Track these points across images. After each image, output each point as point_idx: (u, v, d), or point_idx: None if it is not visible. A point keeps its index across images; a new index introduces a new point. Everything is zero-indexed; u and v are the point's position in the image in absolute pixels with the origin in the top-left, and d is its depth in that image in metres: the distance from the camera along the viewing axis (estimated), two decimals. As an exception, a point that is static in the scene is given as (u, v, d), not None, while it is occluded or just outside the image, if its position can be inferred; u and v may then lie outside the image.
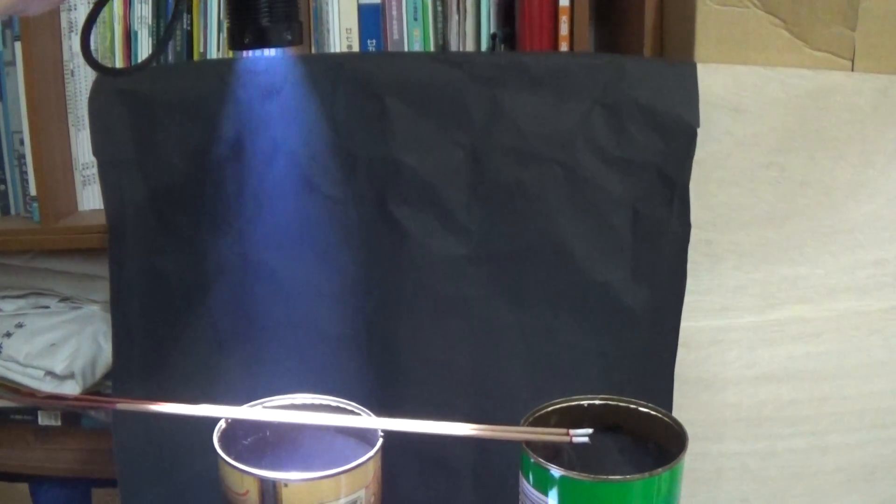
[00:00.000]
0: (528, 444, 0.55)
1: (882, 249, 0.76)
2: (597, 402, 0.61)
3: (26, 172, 0.90)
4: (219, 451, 0.55)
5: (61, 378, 0.88)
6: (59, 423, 0.93)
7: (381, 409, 0.61)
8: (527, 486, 0.56)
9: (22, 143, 0.89)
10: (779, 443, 0.78)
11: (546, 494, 0.54)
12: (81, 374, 0.88)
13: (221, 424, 0.58)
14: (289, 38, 0.60)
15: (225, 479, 0.55)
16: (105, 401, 0.74)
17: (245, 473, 0.54)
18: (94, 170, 0.90)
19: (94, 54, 0.91)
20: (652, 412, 0.60)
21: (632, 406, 0.60)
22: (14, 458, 0.94)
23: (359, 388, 0.67)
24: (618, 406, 0.60)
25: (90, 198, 0.91)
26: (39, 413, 0.93)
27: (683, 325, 0.75)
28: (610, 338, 0.74)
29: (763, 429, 0.77)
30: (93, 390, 0.90)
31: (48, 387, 0.88)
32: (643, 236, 0.73)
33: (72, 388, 0.88)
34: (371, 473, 0.56)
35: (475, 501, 0.76)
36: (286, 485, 0.53)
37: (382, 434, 0.57)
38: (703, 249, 0.75)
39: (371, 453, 0.56)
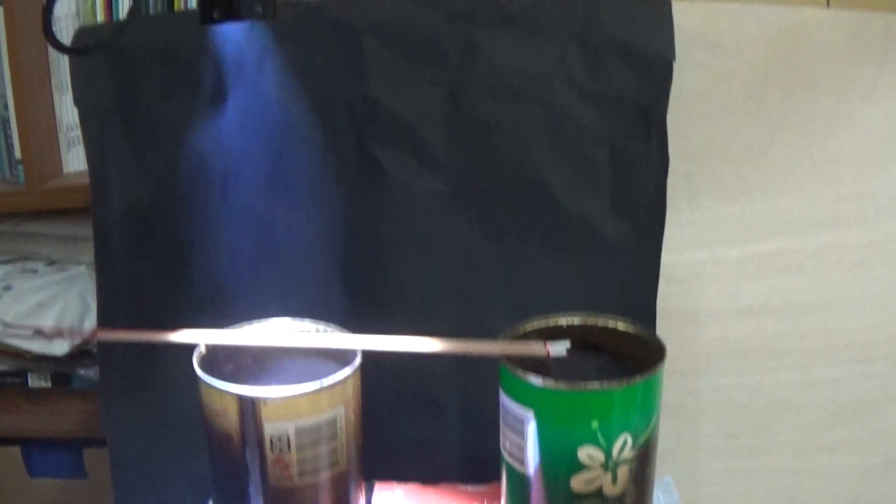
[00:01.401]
0: (507, 358, 0.56)
1: (862, 183, 0.76)
2: (576, 320, 0.61)
3: (11, 136, 0.90)
4: (198, 371, 0.56)
5: (49, 336, 0.88)
6: (49, 384, 0.93)
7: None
8: (506, 401, 0.56)
9: (6, 107, 0.90)
10: (764, 377, 0.78)
11: (525, 406, 0.55)
12: (70, 331, 0.88)
13: (201, 349, 0.58)
14: (259, 10, 0.61)
15: (205, 399, 0.56)
16: (87, 332, 0.74)
17: (224, 392, 0.54)
18: (79, 132, 0.91)
19: (76, 14, 0.92)
20: (630, 330, 0.60)
21: (610, 324, 0.61)
22: (5, 422, 0.94)
23: (342, 324, 0.68)
24: (596, 324, 0.61)
25: (75, 160, 0.92)
26: (30, 375, 0.93)
27: (664, 258, 0.75)
28: (591, 271, 0.74)
29: (748, 363, 0.77)
30: (80, 349, 0.90)
31: (36, 346, 0.89)
32: (621, 170, 0.73)
33: (60, 347, 0.89)
34: (350, 391, 0.56)
35: (461, 441, 0.77)
36: (265, 402, 0.53)
37: (360, 353, 0.57)
38: (682, 183, 0.75)
39: (349, 371, 0.56)
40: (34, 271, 0.94)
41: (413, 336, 0.59)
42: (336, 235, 0.74)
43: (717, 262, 0.76)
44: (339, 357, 0.59)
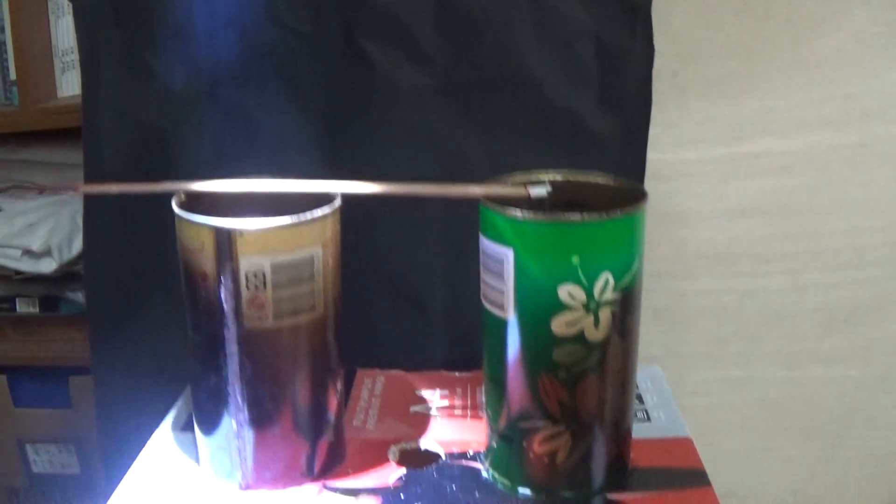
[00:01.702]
0: (487, 199, 0.55)
1: (849, 84, 0.77)
2: (558, 177, 0.61)
3: (7, 59, 0.91)
4: (176, 209, 0.55)
5: (38, 255, 0.88)
6: (37, 310, 0.93)
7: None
8: (486, 243, 0.56)
9: (3, 29, 0.91)
10: (755, 281, 0.77)
11: (504, 244, 0.54)
12: (58, 249, 0.88)
13: (181, 196, 0.58)
14: None
15: (182, 239, 0.55)
16: (68, 185, 0.74)
17: (201, 225, 0.54)
18: (74, 56, 0.92)
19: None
20: (611, 183, 0.60)
21: (591, 179, 0.60)
22: (-7, 350, 0.94)
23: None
24: (577, 180, 0.60)
25: (69, 84, 0.93)
26: (17, 301, 0.93)
27: (652, 157, 0.75)
28: (577, 165, 0.73)
29: (738, 266, 0.77)
30: (69, 269, 0.90)
31: (25, 265, 0.89)
32: (607, 64, 0.73)
33: (48, 266, 0.89)
34: (328, 233, 0.56)
35: (446, 342, 0.76)
36: (241, 234, 0.53)
37: (340, 196, 0.57)
38: (669, 81, 0.75)
39: (327, 209, 0.55)
40: (24, 197, 0.94)
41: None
42: (323, 130, 0.75)
43: (704, 162, 0.76)
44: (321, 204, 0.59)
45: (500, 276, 0.55)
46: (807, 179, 0.76)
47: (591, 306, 0.54)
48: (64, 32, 0.91)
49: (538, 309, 0.54)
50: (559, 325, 0.54)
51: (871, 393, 0.79)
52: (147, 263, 0.78)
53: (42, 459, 0.96)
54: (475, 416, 0.65)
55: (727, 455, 0.78)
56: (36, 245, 0.87)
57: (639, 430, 0.63)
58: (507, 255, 0.54)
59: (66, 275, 0.90)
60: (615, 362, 0.55)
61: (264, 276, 0.54)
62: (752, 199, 0.76)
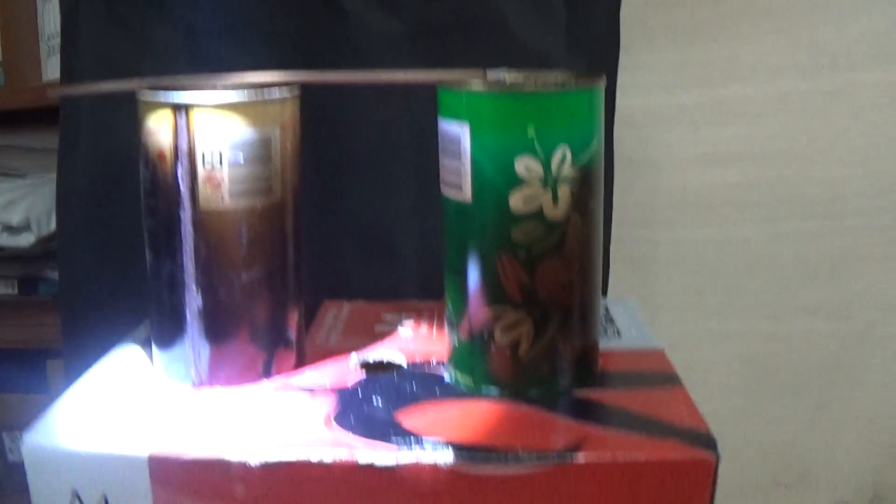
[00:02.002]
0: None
1: (818, 32, 0.77)
2: (520, 77, 0.61)
3: (-6, 41, 0.93)
4: (138, 92, 0.56)
5: (17, 230, 0.88)
6: (16, 291, 0.92)
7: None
8: (443, 125, 0.56)
9: (-8, 14, 0.93)
10: (732, 230, 0.77)
11: (460, 121, 0.54)
12: (37, 223, 0.88)
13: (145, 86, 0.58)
14: None
15: (143, 121, 0.55)
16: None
17: (160, 103, 0.54)
18: (59, 40, 0.94)
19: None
20: (574, 80, 0.60)
21: (552, 79, 0.60)
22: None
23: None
24: (539, 79, 0.60)
25: (54, 68, 0.94)
26: (-4, 281, 0.92)
27: (623, 102, 0.75)
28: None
29: (714, 214, 0.76)
30: (49, 247, 0.90)
31: (4, 241, 0.89)
32: (576, 6, 0.74)
33: (27, 240, 0.88)
34: (287, 116, 0.56)
35: (416, 285, 0.75)
36: (199, 108, 0.53)
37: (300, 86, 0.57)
38: (638, 29, 0.76)
39: (286, 92, 0.56)
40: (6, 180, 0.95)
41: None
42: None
43: (676, 108, 0.76)
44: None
45: (457, 155, 0.54)
46: (779, 127, 0.76)
47: (549, 181, 0.53)
48: (50, 17, 0.93)
49: (496, 185, 0.53)
50: (517, 201, 0.53)
51: (855, 350, 0.77)
52: (121, 247, 0.77)
53: (18, 448, 0.94)
54: (441, 335, 0.64)
55: (707, 415, 0.75)
56: (15, 220, 0.87)
57: (610, 344, 0.62)
58: (464, 130, 0.54)
59: (45, 253, 0.89)
60: (576, 245, 0.54)
61: (220, 154, 0.54)
62: (724, 147, 0.75)
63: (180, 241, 0.55)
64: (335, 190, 0.74)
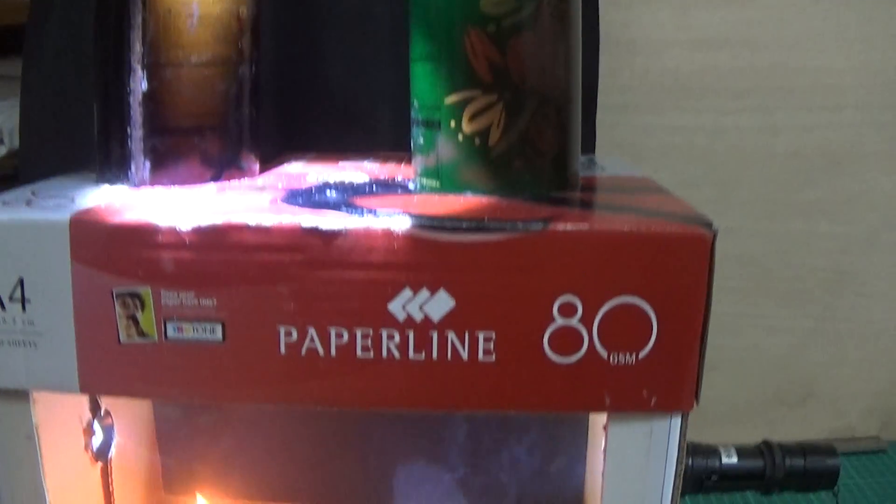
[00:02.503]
0: None
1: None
2: None
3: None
4: None
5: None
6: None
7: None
8: None
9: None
10: (725, 119, 0.72)
11: None
12: (9, 135, 0.85)
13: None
14: None
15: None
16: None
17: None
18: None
19: None
20: None
21: None
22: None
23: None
24: None
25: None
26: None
27: (610, -18, 0.72)
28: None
29: (706, 101, 0.72)
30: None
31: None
32: None
33: (-3, 151, 0.84)
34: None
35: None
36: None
37: None
38: None
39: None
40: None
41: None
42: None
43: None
44: None
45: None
46: (773, 12, 0.72)
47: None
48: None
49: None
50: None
51: (857, 256, 0.72)
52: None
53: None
54: (408, 168, 0.59)
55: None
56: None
57: (593, 173, 0.57)
58: None
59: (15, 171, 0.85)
60: (552, 21, 0.50)
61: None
62: (715, 30, 0.72)
63: (129, 15, 0.50)
64: (310, 62, 0.70)
